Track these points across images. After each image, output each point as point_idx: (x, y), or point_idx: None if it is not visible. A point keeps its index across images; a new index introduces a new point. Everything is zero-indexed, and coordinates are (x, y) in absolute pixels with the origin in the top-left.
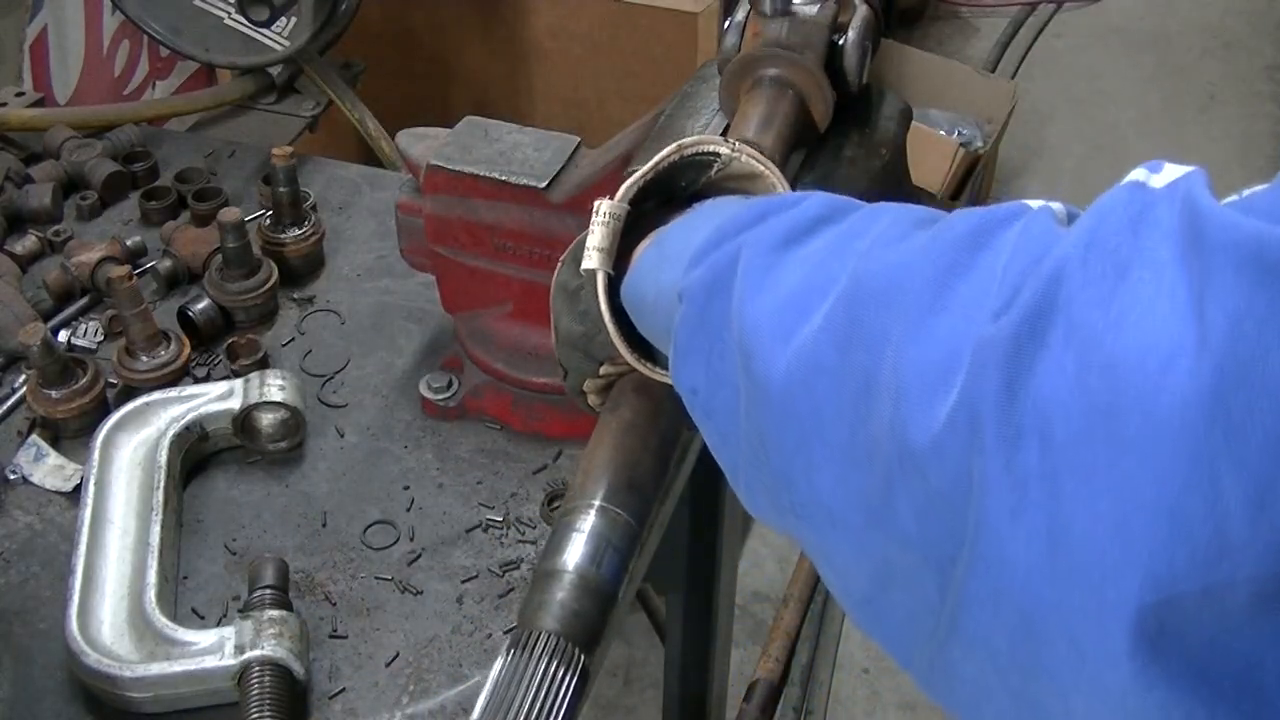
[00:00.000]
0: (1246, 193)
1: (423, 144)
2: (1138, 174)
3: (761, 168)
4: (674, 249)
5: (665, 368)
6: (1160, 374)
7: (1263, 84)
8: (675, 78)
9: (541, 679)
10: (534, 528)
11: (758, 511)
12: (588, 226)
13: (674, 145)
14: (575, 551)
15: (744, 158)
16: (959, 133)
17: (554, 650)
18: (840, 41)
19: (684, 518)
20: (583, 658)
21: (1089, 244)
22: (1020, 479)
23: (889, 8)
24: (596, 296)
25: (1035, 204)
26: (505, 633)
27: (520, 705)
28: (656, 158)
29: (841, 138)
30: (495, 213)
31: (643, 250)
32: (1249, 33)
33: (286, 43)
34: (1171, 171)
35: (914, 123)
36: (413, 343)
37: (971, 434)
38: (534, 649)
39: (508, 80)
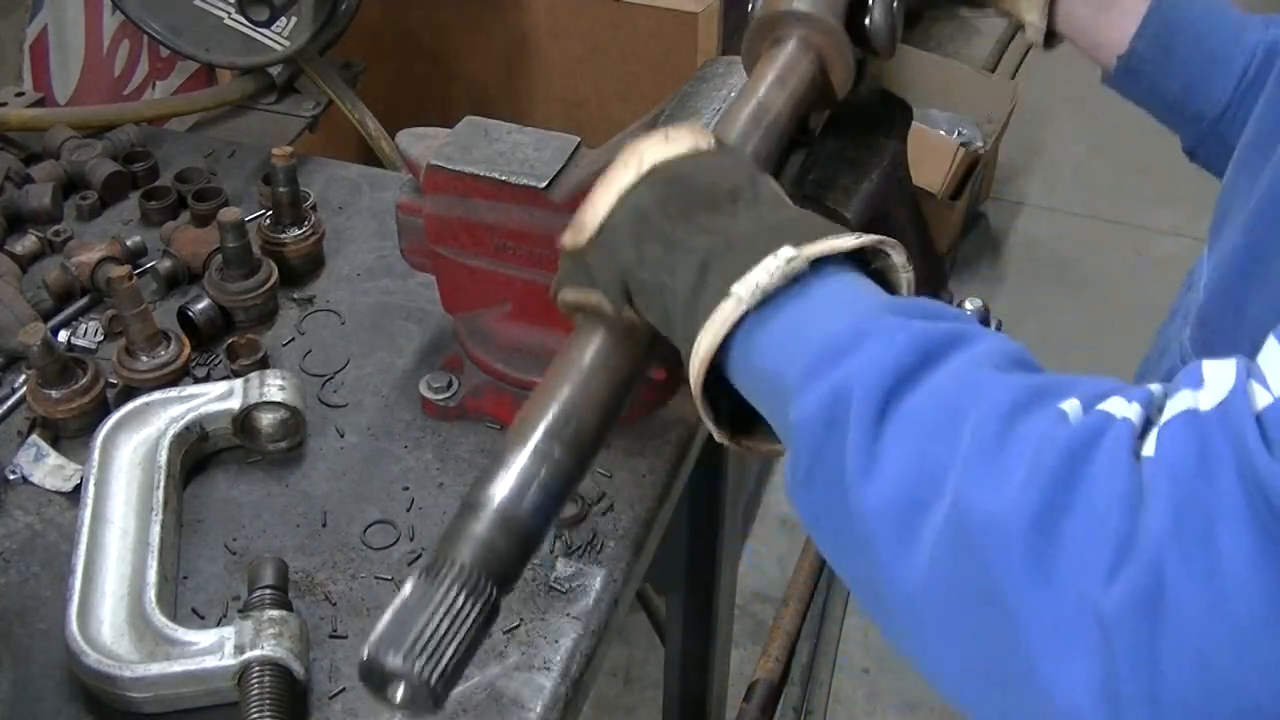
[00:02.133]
0: (1274, 386)
1: (423, 144)
2: (1183, 399)
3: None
4: (813, 318)
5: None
6: (1268, 672)
7: None
8: (675, 78)
9: (447, 607)
10: None
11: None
12: None
13: (875, 239)
14: (503, 485)
15: (906, 278)
16: (959, 133)
17: (464, 581)
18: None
19: (684, 518)
20: (494, 592)
21: (1177, 515)
22: None
23: None
24: (704, 318)
25: (1117, 410)
26: (505, 632)
27: (421, 631)
28: (857, 240)
29: (842, 138)
30: (495, 213)
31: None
32: None
33: (286, 43)
34: (1213, 384)
35: (914, 123)
36: (413, 343)
37: (1109, 707)
38: (443, 576)
39: (508, 80)
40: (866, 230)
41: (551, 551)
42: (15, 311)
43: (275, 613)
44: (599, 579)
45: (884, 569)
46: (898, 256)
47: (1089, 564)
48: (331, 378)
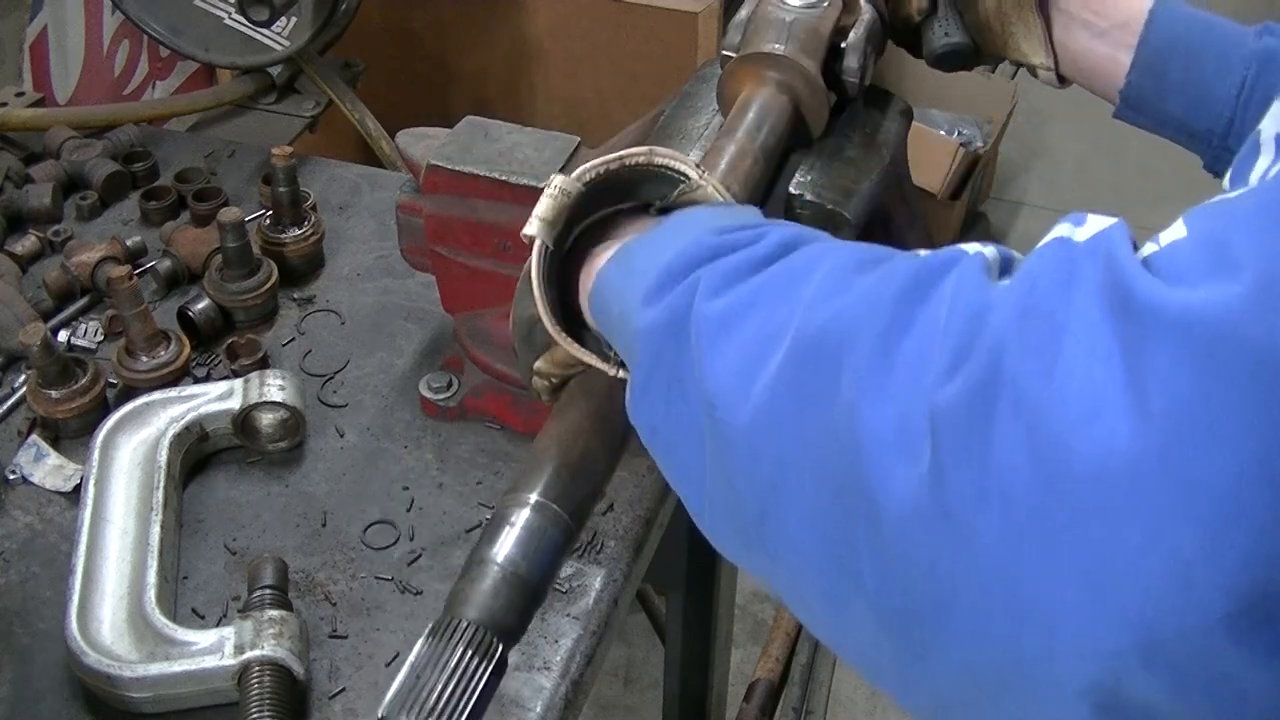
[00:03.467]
0: (1164, 240)
1: (423, 144)
2: (1061, 229)
3: (723, 201)
4: (639, 266)
5: (609, 360)
6: (1106, 442)
7: None
8: (675, 78)
9: (456, 666)
10: None
11: (721, 543)
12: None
13: (647, 149)
14: (506, 544)
15: (709, 188)
16: (959, 133)
17: (471, 639)
18: (842, 45)
19: (684, 518)
20: (500, 649)
21: (1024, 310)
22: (985, 544)
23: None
24: (529, 263)
25: (970, 249)
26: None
27: (431, 691)
28: (626, 152)
29: (842, 138)
30: (495, 213)
31: (606, 260)
32: None
33: (286, 43)
34: (1094, 224)
35: (914, 123)
36: (413, 343)
37: (936, 500)
38: (452, 636)
39: (508, 80)
40: (865, 230)
41: None
42: (15, 311)
43: (275, 613)
44: (599, 579)
45: (721, 426)
46: (688, 168)
47: (926, 370)
48: (331, 378)
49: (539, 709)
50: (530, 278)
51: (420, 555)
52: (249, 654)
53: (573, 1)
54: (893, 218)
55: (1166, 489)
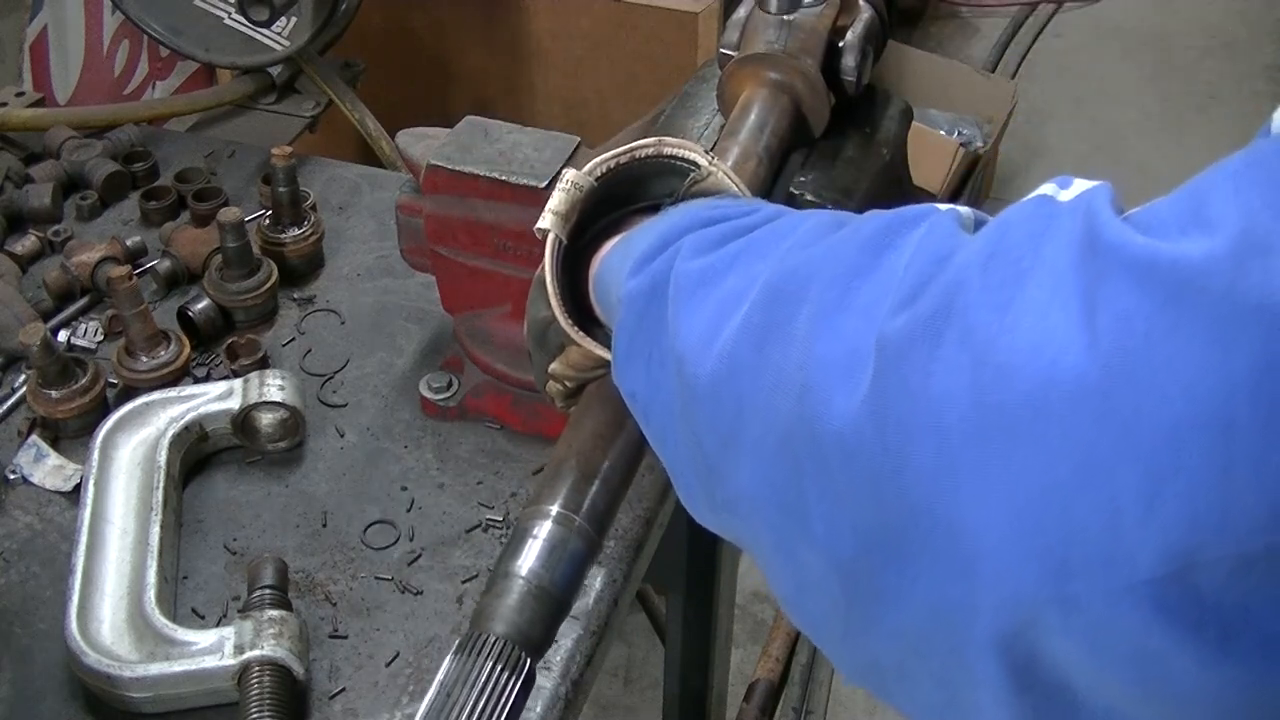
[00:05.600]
0: (1147, 204)
1: (423, 144)
2: (1046, 188)
3: (735, 188)
4: (635, 246)
5: None
6: (1049, 370)
7: (1263, 84)
8: (675, 78)
9: (486, 681)
10: None
11: (695, 510)
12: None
13: (655, 140)
14: (530, 557)
15: (719, 174)
16: (959, 133)
17: (500, 654)
18: (840, 44)
19: (684, 518)
20: (528, 662)
21: (991, 253)
22: (918, 475)
23: (890, 8)
24: (543, 264)
25: (944, 207)
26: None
27: (463, 706)
28: (635, 144)
29: (842, 138)
30: (495, 213)
31: (609, 248)
32: (1249, 33)
33: (286, 43)
34: (1079, 186)
35: (914, 123)
36: (413, 343)
37: (875, 429)
38: (480, 652)
39: (508, 80)
40: None
41: None
42: (15, 311)
43: (275, 613)
44: (599, 579)
45: (688, 381)
46: (698, 156)
47: (880, 301)
48: (331, 378)
49: (539, 709)
50: (544, 277)
51: (420, 555)
52: (249, 654)
53: (573, 1)
54: None
55: (1106, 422)
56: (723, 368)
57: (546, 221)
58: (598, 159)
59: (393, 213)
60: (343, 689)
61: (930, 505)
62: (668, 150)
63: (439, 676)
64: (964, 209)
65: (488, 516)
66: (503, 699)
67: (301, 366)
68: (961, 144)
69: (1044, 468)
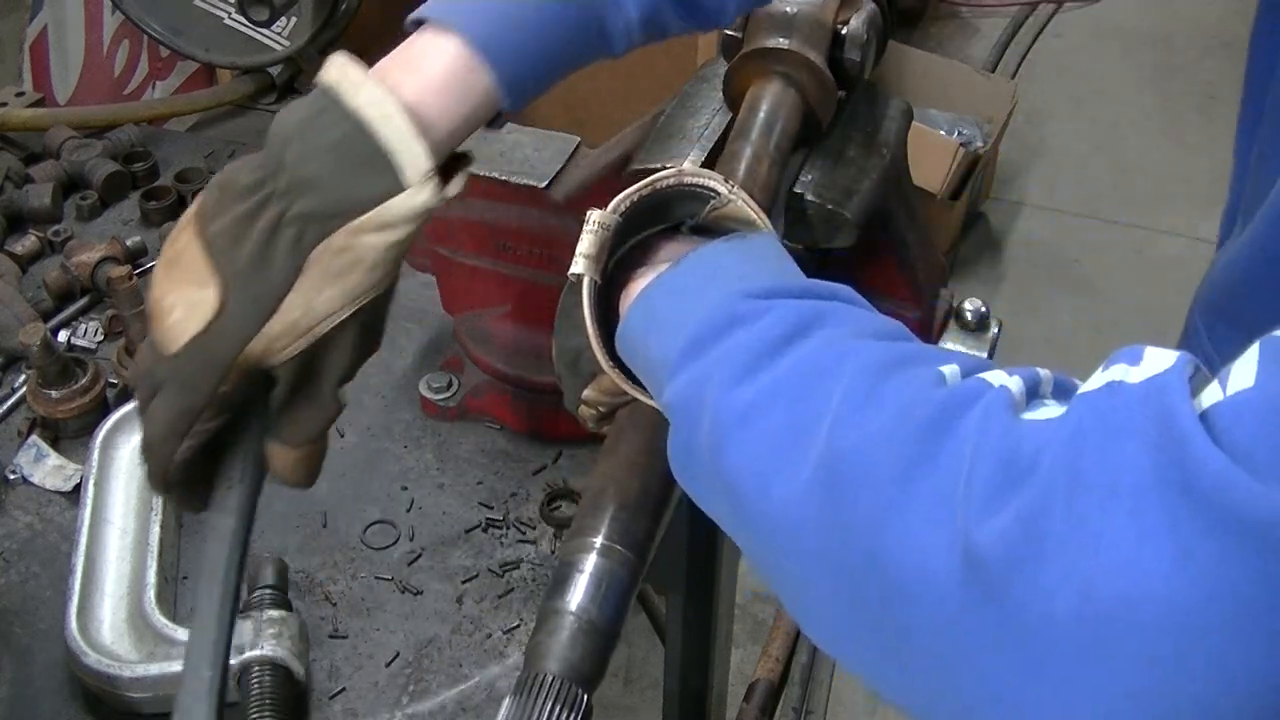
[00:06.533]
0: (1231, 385)
1: None
2: (1115, 371)
3: (754, 216)
4: (661, 316)
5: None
6: (1147, 614)
7: None
8: (675, 78)
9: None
10: (534, 528)
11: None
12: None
13: (675, 171)
14: (578, 592)
15: (739, 202)
16: (959, 133)
17: (557, 693)
18: (844, 32)
19: (684, 518)
20: (585, 698)
21: (1071, 481)
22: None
23: (891, 7)
24: (581, 303)
25: (995, 380)
26: (505, 632)
27: None
28: (656, 177)
29: (843, 138)
30: (495, 213)
31: (632, 302)
32: (1249, 33)
33: (286, 43)
34: (1150, 363)
35: (914, 123)
36: (413, 343)
37: (983, 645)
38: (537, 692)
39: None
40: (865, 229)
41: (552, 552)
42: (15, 311)
43: (275, 613)
44: None
45: (742, 513)
46: (718, 185)
47: (947, 503)
48: None
49: None
50: (581, 312)
51: (420, 555)
52: (249, 654)
53: None
54: (893, 217)
55: (1193, 655)
56: (789, 520)
57: (580, 267)
58: (620, 196)
59: None
60: (343, 689)
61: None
62: (688, 180)
63: (502, 713)
64: (1014, 382)
65: (488, 516)
66: None
67: None
68: (961, 144)
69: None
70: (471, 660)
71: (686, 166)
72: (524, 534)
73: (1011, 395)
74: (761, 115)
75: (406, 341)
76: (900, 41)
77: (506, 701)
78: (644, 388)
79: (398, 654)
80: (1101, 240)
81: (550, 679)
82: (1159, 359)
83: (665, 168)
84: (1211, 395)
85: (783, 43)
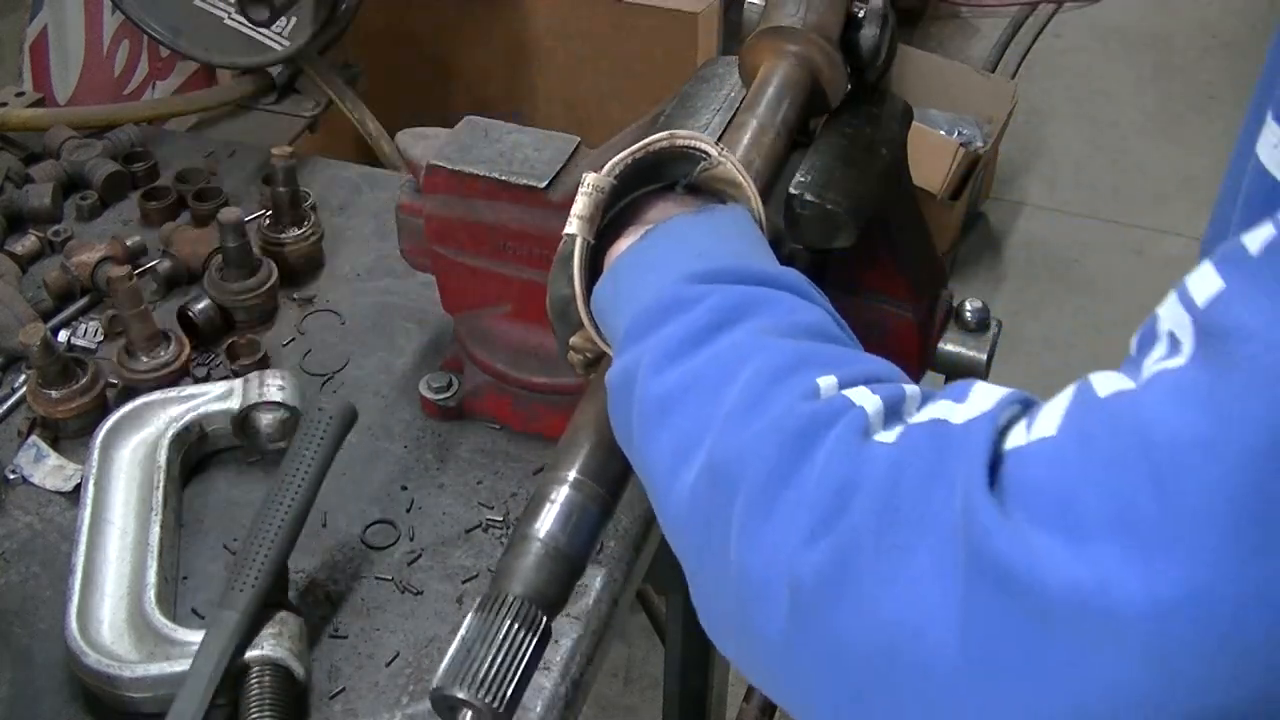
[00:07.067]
0: (1034, 435)
1: (423, 144)
2: (941, 409)
3: (741, 179)
4: (624, 289)
5: None
6: (925, 656)
7: None
8: (675, 78)
9: (504, 639)
10: None
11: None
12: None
13: (667, 134)
14: (547, 520)
15: (728, 165)
16: (959, 133)
17: (518, 613)
18: (860, 14)
19: None
20: (544, 620)
21: (883, 507)
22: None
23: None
24: (572, 263)
25: (857, 398)
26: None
27: (482, 661)
28: (648, 139)
29: (842, 138)
30: (495, 213)
31: (605, 272)
32: (1249, 33)
33: (286, 43)
34: (974, 404)
35: (914, 123)
36: (413, 343)
37: (786, 664)
38: (499, 610)
39: (508, 80)
40: (865, 230)
41: None
42: (15, 311)
43: (275, 613)
44: (599, 579)
45: (655, 500)
46: (708, 147)
47: (791, 523)
48: (331, 378)
49: (539, 709)
50: (570, 266)
51: (420, 555)
52: (249, 654)
53: (573, 1)
54: (892, 218)
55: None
56: (680, 521)
57: (574, 227)
58: (615, 159)
59: (393, 213)
60: (343, 689)
61: None
62: (679, 142)
63: (460, 632)
64: (873, 402)
65: (488, 516)
66: (519, 654)
67: (301, 366)
68: (961, 144)
69: None
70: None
71: (679, 130)
72: None
73: (866, 418)
74: (770, 91)
75: (406, 341)
76: (900, 42)
77: (469, 618)
78: None
79: (398, 654)
80: (1101, 240)
81: (512, 599)
82: (981, 400)
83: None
84: (1016, 438)
85: (796, 23)
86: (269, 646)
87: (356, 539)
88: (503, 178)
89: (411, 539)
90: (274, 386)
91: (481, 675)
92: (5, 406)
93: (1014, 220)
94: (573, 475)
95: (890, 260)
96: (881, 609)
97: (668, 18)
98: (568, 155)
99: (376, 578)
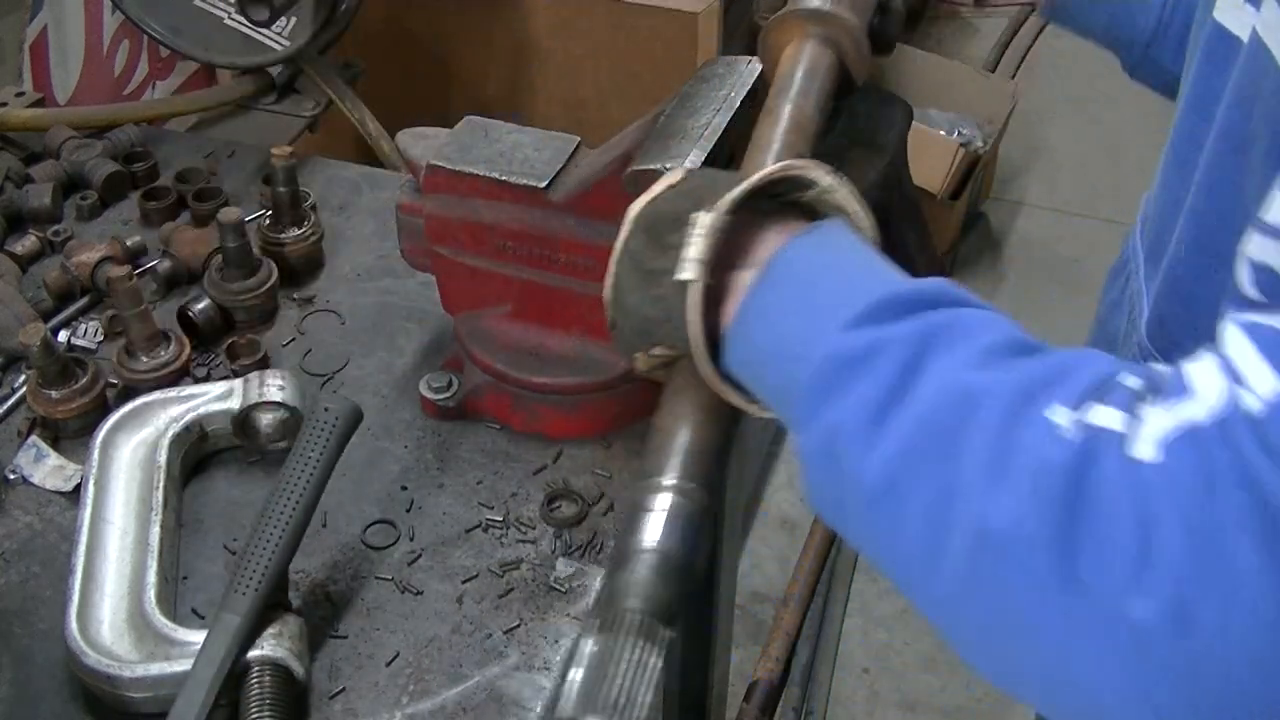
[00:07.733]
0: (1262, 393)
1: (423, 144)
2: (1184, 411)
3: (856, 208)
4: (761, 344)
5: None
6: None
7: None
8: (675, 78)
9: (630, 658)
10: (534, 528)
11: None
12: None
13: (782, 165)
14: (654, 530)
15: (844, 192)
16: (959, 133)
17: (639, 628)
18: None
19: None
20: (666, 632)
21: (1191, 541)
22: None
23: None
24: (685, 310)
25: (1103, 420)
26: (505, 632)
27: (614, 682)
28: (766, 171)
29: (843, 138)
30: (495, 213)
31: (731, 328)
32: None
33: (286, 43)
34: (1204, 393)
35: (914, 123)
36: (413, 343)
37: (1148, 709)
38: (622, 628)
39: (508, 80)
40: None
41: (552, 551)
42: (15, 311)
43: (275, 613)
44: (599, 579)
45: (921, 588)
46: (821, 175)
47: (1111, 574)
48: (331, 378)
49: (539, 709)
50: (683, 317)
51: (420, 555)
52: (249, 654)
53: (573, 1)
54: (893, 218)
55: None
56: (958, 596)
57: (692, 272)
58: (730, 195)
59: (393, 213)
60: (343, 689)
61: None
62: (794, 172)
63: (585, 655)
64: (1118, 420)
65: (488, 516)
66: (648, 672)
67: (301, 366)
68: (961, 144)
69: None
70: (471, 660)
71: (793, 162)
72: (524, 534)
73: (1121, 438)
74: (799, 75)
75: (406, 341)
76: (900, 41)
77: (590, 640)
78: (745, 393)
79: (398, 654)
80: (1102, 240)
81: (632, 615)
82: (1208, 386)
83: (667, 168)
84: (1249, 402)
85: (823, 6)
86: (269, 646)
87: (357, 539)
88: (503, 178)
89: (412, 539)
90: (274, 386)
91: (614, 699)
92: (5, 406)
93: (1014, 220)
94: (670, 481)
95: (890, 260)
96: (1225, 632)
97: (668, 18)
98: (568, 155)
99: (377, 578)
